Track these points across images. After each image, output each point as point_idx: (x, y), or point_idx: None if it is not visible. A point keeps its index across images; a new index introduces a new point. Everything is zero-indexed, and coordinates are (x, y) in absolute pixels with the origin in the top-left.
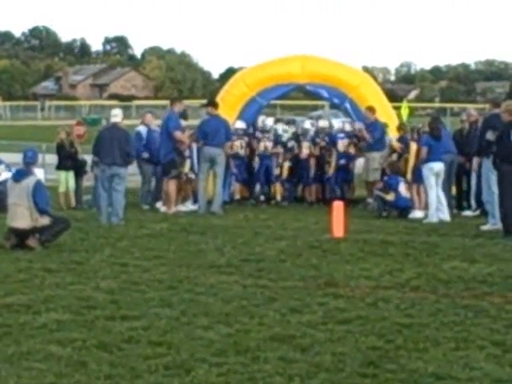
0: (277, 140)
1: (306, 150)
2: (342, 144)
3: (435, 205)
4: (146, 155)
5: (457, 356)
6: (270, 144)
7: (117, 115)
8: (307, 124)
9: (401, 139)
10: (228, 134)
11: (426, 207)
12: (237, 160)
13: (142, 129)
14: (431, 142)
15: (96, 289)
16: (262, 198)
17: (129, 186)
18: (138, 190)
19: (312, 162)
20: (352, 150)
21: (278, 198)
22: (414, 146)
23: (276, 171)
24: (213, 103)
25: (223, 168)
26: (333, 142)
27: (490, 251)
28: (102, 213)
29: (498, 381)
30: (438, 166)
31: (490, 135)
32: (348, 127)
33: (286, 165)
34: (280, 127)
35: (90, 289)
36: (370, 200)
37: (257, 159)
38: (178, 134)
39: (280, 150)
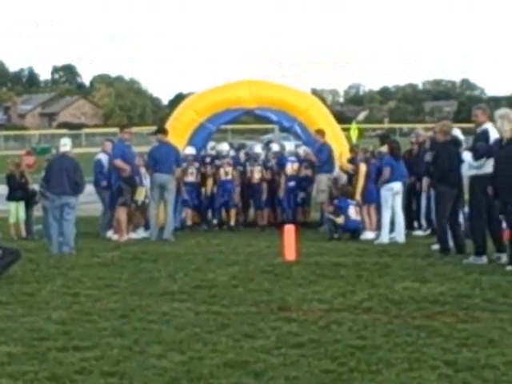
0: (234, 165)
1: (257, 174)
2: (291, 167)
3: (388, 226)
4: (104, 183)
5: (410, 377)
6: (229, 169)
7: (66, 144)
8: (258, 148)
9: (352, 160)
10: (178, 160)
11: (377, 228)
12: (188, 186)
13: (103, 156)
14: (392, 162)
15: (48, 320)
16: (215, 221)
17: (80, 214)
18: (89, 219)
19: (264, 185)
20: (303, 173)
21: (232, 222)
22: (363, 167)
23: (234, 196)
24: (162, 130)
25: (173, 195)
26: (282, 164)
27: (441, 270)
28: (53, 243)
29: None
30: (398, 186)
31: (428, 156)
32: (301, 151)
33: (238, 189)
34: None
35: (41, 320)
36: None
37: (211, 184)
38: (117, 162)
39: (236, 174)
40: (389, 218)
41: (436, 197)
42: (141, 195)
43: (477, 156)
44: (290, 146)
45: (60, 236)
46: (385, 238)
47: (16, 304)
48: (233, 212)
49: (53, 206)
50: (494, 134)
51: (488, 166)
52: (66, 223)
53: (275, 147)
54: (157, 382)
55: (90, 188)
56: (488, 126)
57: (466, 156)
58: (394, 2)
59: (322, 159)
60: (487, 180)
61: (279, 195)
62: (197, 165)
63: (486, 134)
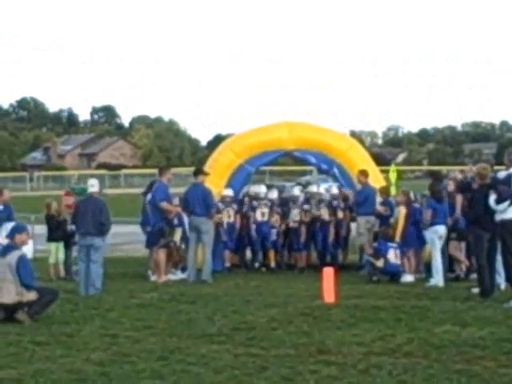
0: (271, 206)
1: (296, 217)
2: (341, 212)
3: (442, 269)
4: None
5: None
6: (266, 210)
7: (93, 185)
8: (296, 191)
9: (384, 203)
10: (209, 201)
11: (416, 271)
12: (226, 227)
13: None
14: (435, 205)
15: (86, 361)
16: (257, 264)
17: (119, 255)
18: (128, 259)
19: (303, 228)
20: (340, 215)
21: (272, 264)
22: (403, 210)
23: (273, 237)
24: (201, 171)
25: (210, 236)
26: (332, 208)
27: (482, 314)
28: (80, 284)
29: None
30: (442, 229)
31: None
32: (334, 190)
33: (276, 231)
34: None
35: (80, 361)
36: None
37: (254, 226)
38: (164, 205)
39: (276, 216)
40: (440, 260)
41: (473, 240)
42: (177, 236)
43: (499, 200)
44: (322, 188)
45: (87, 277)
46: (440, 281)
47: (55, 344)
48: (271, 253)
49: (80, 247)
50: None
51: None
52: (92, 264)
53: (313, 188)
54: None
55: (126, 229)
56: None
57: (490, 200)
58: (430, 43)
59: (358, 200)
60: None
61: (324, 238)
62: (235, 206)
63: (510, 178)
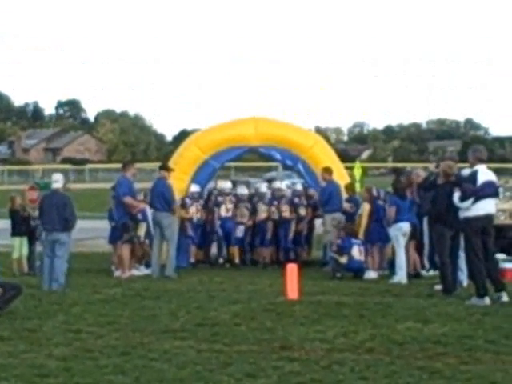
0: (237, 202)
1: (263, 213)
2: (303, 209)
3: (405, 266)
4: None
5: None
6: (230, 206)
7: (58, 181)
8: (263, 188)
9: (350, 199)
10: (169, 196)
11: (379, 267)
12: (192, 223)
13: None
14: (398, 202)
15: (49, 356)
16: (221, 260)
17: (83, 250)
18: (91, 255)
19: (269, 225)
20: (302, 213)
21: (237, 260)
22: (366, 207)
23: (238, 234)
24: (160, 166)
25: (172, 231)
26: (294, 205)
27: (444, 311)
28: (44, 279)
29: None
30: (406, 226)
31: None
32: (298, 187)
33: (242, 227)
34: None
35: (42, 356)
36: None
37: (218, 222)
38: (127, 200)
39: (246, 212)
40: (404, 258)
41: (435, 237)
42: (141, 231)
43: (463, 197)
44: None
45: (52, 272)
46: (403, 278)
47: (17, 340)
48: (235, 250)
49: (45, 243)
50: (483, 176)
51: (479, 209)
52: (56, 259)
53: (278, 184)
54: None
55: (90, 224)
56: (479, 167)
57: (455, 197)
58: (397, 39)
59: (323, 199)
60: (479, 221)
61: (285, 235)
62: (201, 202)
63: (474, 175)
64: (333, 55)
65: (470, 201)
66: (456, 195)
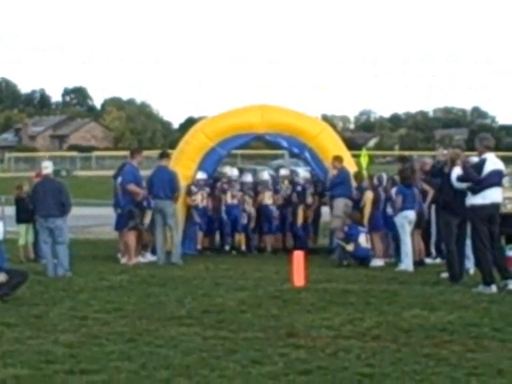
0: (242, 189)
1: (268, 199)
2: (310, 197)
3: (411, 254)
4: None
5: None
6: (236, 193)
7: (47, 167)
8: (265, 175)
9: (358, 188)
10: (174, 185)
11: (385, 255)
12: (199, 211)
13: None
14: (404, 191)
15: (55, 343)
16: (227, 247)
17: (89, 237)
18: (97, 242)
19: (275, 210)
20: (310, 200)
21: (243, 247)
22: (369, 195)
23: (243, 221)
24: (160, 154)
25: (174, 219)
26: (298, 191)
27: (450, 299)
28: (48, 265)
29: None
30: (412, 215)
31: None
32: (305, 174)
33: (246, 214)
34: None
35: (49, 343)
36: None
37: (224, 209)
38: (131, 187)
39: (248, 199)
40: (410, 245)
41: (442, 225)
42: (147, 218)
43: (461, 178)
44: (303, 172)
45: (54, 258)
46: (409, 266)
47: (24, 326)
48: (241, 237)
49: (41, 230)
50: (491, 165)
51: (485, 197)
52: (58, 246)
53: (284, 171)
54: None
55: (97, 211)
56: (487, 156)
57: (453, 174)
58: (397, 39)
59: (336, 182)
60: (486, 210)
61: (296, 223)
62: (208, 189)
63: (482, 164)
64: (333, 55)
65: (465, 185)
66: (455, 173)
